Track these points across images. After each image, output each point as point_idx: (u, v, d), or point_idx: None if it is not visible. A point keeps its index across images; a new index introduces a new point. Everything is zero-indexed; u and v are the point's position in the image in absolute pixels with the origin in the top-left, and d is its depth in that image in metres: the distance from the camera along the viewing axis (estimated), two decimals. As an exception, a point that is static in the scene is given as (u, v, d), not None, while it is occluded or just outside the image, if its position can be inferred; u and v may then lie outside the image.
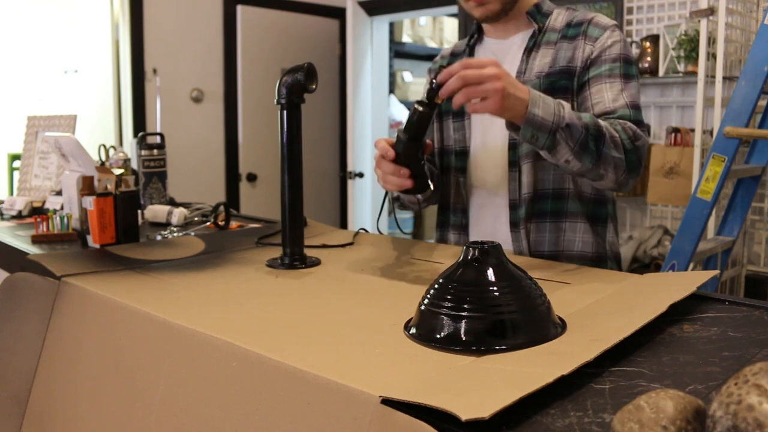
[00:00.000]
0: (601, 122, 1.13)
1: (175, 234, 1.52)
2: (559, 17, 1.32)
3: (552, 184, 1.27)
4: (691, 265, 2.34)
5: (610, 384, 0.62)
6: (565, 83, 1.25)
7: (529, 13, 1.32)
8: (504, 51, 1.34)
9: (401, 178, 1.10)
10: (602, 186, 1.19)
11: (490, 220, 1.34)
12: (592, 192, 1.29)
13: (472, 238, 1.36)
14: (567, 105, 1.09)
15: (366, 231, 1.45)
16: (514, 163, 1.28)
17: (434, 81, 1.02)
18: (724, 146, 2.28)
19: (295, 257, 1.15)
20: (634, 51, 3.05)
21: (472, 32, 1.41)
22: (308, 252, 1.20)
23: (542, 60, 1.28)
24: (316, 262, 1.17)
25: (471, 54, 1.40)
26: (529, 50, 1.30)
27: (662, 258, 2.72)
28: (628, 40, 3.12)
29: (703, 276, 0.91)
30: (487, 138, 1.33)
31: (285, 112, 1.14)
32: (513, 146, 1.28)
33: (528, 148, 1.26)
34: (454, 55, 1.45)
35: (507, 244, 1.29)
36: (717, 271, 1.24)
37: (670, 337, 0.75)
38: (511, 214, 1.29)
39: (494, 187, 1.33)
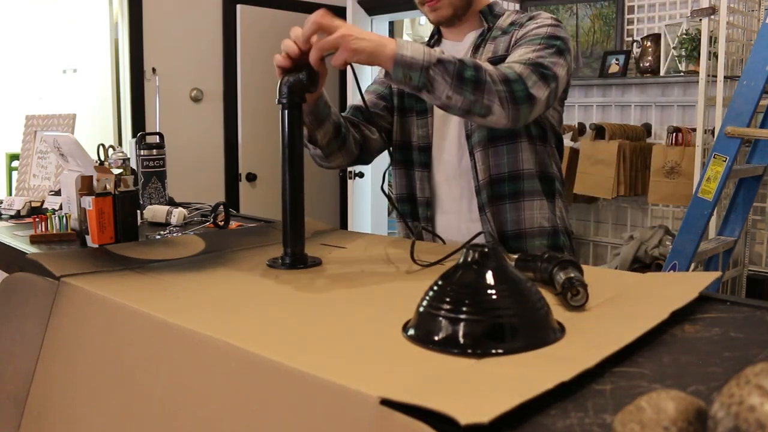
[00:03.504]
0: (482, 63, 1.14)
1: (175, 234, 1.51)
2: (508, 18, 1.39)
3: (506, 167, 1.35)
4: (693, 266, 2.34)
5: (611, 384, 0.61)
6: None
7: (482, 12, 1.39)
8: (458, 52, 1.39)
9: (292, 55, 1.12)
10: (495, 123, 1.17)
11: (455, 209, 1.42)
12: (540, 170, 1.38)
13: (440, 229, 1.43)
14: (440, 49, 1.15)
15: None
16: (470, 151, 1.37)
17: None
18: (726, 146, 2.28)
19: (297, 257, 1.15)
20: (635, 50, 3.05)
21: (432, 34, 1.48)
22: (308, 252, 1.20)
23: (486, 55, 1.35)
24: (317, 262, 1.16)
25: None
26: (477, 47, 1.37)
27: (663, 258, 2.72)
28: (629, 39, 3.13)
29: (705, 279, 0.90)
30: (447, 132, 1.40)
31: (286, 111, 1.13)
32: (468, 136, 1.36)
33: (479, 136, 1.34)
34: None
35: (475, 229, 1.38)
36: (719, 273, 1.24)
37: (672, 338, 0.74)
38: (479, 198, 1.37)
39: (455, 177, 1.40)
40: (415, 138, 1.44)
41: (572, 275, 0.87)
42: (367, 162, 1.50)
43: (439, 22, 1.40)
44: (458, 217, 1.42)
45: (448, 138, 1.40)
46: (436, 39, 1.47)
